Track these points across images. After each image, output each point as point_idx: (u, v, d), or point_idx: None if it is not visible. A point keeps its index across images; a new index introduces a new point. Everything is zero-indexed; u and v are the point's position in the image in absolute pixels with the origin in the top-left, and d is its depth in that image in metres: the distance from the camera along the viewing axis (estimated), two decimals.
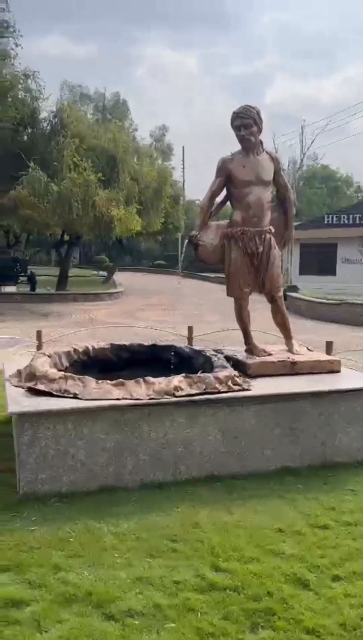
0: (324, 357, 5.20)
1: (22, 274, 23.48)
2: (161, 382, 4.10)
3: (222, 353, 5.24)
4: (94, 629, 2.43)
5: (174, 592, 2.72)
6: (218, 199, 5.13)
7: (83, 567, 2.91)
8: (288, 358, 4.97)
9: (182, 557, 3.05)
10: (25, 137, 21.55)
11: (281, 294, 5.14)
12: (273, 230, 5.04)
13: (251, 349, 5.17)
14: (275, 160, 5.05)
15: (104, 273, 32.01)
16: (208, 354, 5.16)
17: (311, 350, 5.42)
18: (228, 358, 5.05)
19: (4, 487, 3.89)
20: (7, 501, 3.69)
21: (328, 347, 6.84)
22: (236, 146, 4.98)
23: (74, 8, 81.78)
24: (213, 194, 5.03)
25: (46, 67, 45.65)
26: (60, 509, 3.61)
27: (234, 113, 4.89)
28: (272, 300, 5.14)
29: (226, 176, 4.94)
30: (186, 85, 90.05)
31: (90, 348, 5.36)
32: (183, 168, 45.82)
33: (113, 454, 3.89)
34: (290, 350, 5.21)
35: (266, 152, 5.03)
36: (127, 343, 5.58)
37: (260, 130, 4.93)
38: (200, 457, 4.12)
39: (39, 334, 7.44)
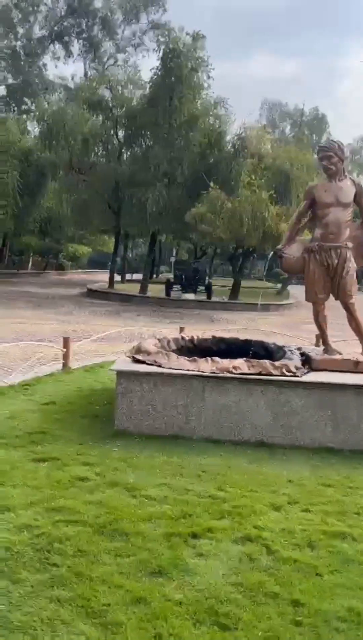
0: None
1: (201, 283, 25.89)
2: (224, 362, 5.26)
3: (301, 350, 6.15)
4: (121, 501, 3.76)
5: (182, 494, 3.91)
6: (306, 220, 6.10)
7: (133, 473, 4.26)
8: (353, 358, 5.68)
9: (202, 481, 4.21)
10: (212, 160, 23.88)
11: (353, 301, 5.84)
12: (351, 246, 5.80)
13: (326, 348, 5.98)
14: (356, 185, 5.82)
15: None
16: (287, 349, 6.12)
17: None
18: (303, 354, 5.95)
19: (110, 424, 5.44)
20: (108, 433, 5.23)
21: None
22: None
23: (282, 26, 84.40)
24: (300, 214, 6.04)
25: (252, 87, 48.39)
26: (138, 442, 5.01)
27: (318, 147, 5.83)
28: (345, 307, 5.88)
29: (311, 200, 5.88)
30: None
31: (195, 337, 6.71)
32: None
33: (183, 411, 5.18)
34: None
35: (350, 178, 5.82)
36: (226, 337, 6.80)
37: (341, 160, 5.76)
38: (252, 425, 5.16)
39: (181, 330, 9.14)
